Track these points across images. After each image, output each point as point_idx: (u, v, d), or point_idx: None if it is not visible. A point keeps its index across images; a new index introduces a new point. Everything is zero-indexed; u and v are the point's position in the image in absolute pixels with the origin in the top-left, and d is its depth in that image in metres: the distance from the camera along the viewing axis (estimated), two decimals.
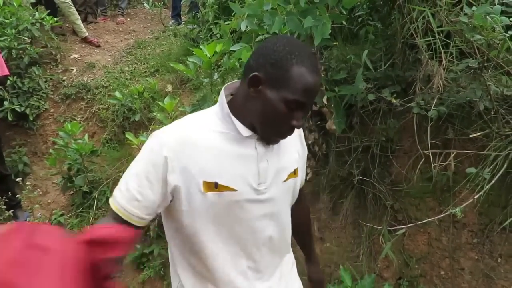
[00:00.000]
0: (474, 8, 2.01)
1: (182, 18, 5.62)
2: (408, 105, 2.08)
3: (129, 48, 5.06)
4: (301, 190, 1.23)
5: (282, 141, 1.06)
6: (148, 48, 4.98)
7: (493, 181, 1.77)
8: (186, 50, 3.97)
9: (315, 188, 2.62)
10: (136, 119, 3.72)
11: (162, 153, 0.94)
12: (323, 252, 2.54)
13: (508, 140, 1.87)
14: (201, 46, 2.49)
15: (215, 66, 3.08)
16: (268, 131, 0.98)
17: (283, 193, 1.08)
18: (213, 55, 2.42)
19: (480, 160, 1.96)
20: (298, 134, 1.16)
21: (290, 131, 0.98)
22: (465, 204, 1.76)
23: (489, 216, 2.08)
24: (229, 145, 0.99)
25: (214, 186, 0.96)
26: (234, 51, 2.19)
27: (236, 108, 1.00)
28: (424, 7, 2.07)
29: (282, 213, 1.10)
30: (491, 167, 1.82)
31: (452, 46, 2.00)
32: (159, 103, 2.98)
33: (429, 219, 1.87)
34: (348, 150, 2.49)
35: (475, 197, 1.78)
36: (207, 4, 3.93)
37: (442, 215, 1.86)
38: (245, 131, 0.99)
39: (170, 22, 5.60)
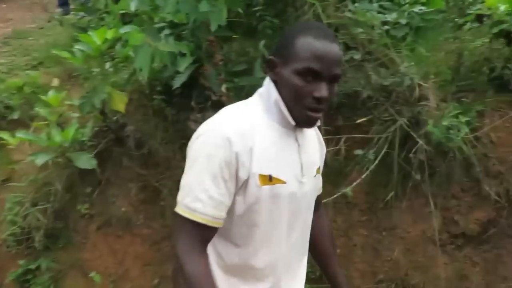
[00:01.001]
0: (356, 4, 2.20)
1: (71, 7, 5.11)
2: None
3: (6, 38, 4.43)
4: (320, 198, 1.21)
5: (309, 136, 1.06)
6: (30, 38, 4.41)
7: (376, 162, 1.95)
8: (75, 40, 3.61)
9: None
10: (15, 117, 3.26)
11: (232, 149, 0.89)
12: None
13: (387, 125, 2.08)
14: (89, 32, 2.29)
15: (108, 57, 2.86)
16: (297, 110, 0.93)
17: (313, 189, 1.08)
18: (104, 42, 2.23)
19: (366, 144, 2.15)
20: (316, 133, 1.14)
21: (316, 104, 0.91)
22: (354, 184, 1.91)
23: (374, 194, 2.30)
24: (277, 136, 0.96)
25: (268, 179, 0.93)
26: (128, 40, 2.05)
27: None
28: (314, 1, 2.20)
29: (310, 212, 1.09)
30: (374, 149, 2.01)
31: (339, 39, 2.16)
32: (42, 97, 2.65)
33: (324, 200, 1.98)
34: None
35: (362, 177, 1.94)
36: None
37: (335, 196, 1.98)
38: (292, 120, 0.95)
39: (57, 11, 5.05)
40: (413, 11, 2.18)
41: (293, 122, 0.95)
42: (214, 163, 0.88)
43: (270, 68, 0.96)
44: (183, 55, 2.04)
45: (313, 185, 1.06)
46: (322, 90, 0.88)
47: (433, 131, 1.88)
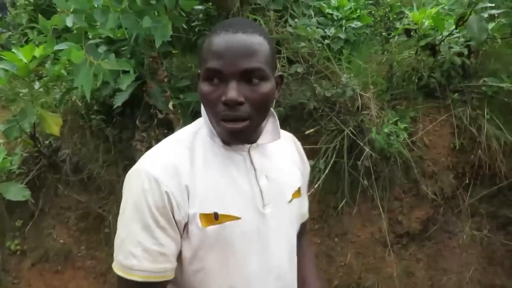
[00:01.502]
0: (296, 20, 2.27)
1: None
2: None
3: None
4: (304, 226, 1.03)
5: (282, 154, 0.89)
6: None
7: (327, 171, 2.00)
8: None
9: None
10: None
11: (160, 189, 0.73)
12: None
13: (334, 134, 2.16)
14: (13, 50, 2.07)
15: (35, 76, 2.62)
16: (215, 123, 0.77)
17: (291, 218, 0.88)
18: (32, 61, 2.04)
19: (315, 154, 2.20)
20: (297, 149, 0.98)
21: (228, 111, 0.72)
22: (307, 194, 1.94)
23: (325, 202, 2.36)
24: (221, 163, 0.79)
25: (214, 218, 0.76)
26: (59, 57, 1.89)
27: None
28: (256, 16, 2.24)
29: (293, 244, 0.90)
30: (323, 158, 2.06)
31: (282, 53, 2.21)
32: None
33: None
34: None
35: (315, 187, 1.98)
36: (18, 4, 3.33)
37: None
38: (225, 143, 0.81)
39: None
40: (350, 26, 2.30)
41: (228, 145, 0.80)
42: (143, 211, 0.73)
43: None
44: (124, 72, 1.93)
45: (288, 213, 0.87)
46: (229, 92, 0.70)
47: (377, 138, 1.99)
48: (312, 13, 2.33)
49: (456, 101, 2.39)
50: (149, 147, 0.96)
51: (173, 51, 2.63)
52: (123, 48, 2.11)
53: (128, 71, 1.85)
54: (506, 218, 2.43)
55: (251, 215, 0.79)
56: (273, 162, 0.86)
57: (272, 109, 0.83)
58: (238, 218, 0.77)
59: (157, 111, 2.07)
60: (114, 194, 2.37)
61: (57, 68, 2.15)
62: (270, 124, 0.85)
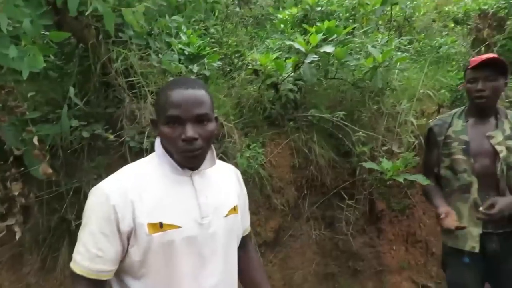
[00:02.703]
0: (160, 55, 2.40)
1: None
2: (121, 139, 2.17)
3: None
4: (247, 237, 1.27)
5: (220, 179, 1.14)
6: None
7: None
8: None
9: (20, 249, 2.16)
10: None
11: (109, 203, 0.96)
12: None
13: None
14: None
15: None
16: (177, 155, 1.04)
17: (227, 230, 1.10)
18: None
19: None
20: (236, 175, 1.24)
21: (186, 146, 1.00)
22: None
23: None
24: (169, 185, 1.04)
25: (159, 226, 0.98)
26: None
27: (167, 150, 1.07)
28: (119, 49, 2.26)
29: (229, 253, 1.11)
30: None
31: (149, 86, 2.30)
32: None
33: None
34: (56, 197, 2.24)
35: None
36: None
37: None
38: (179, 167, 1.05)
39: None
40: (211, 64, 2.58)
41: (180, 168, 1.05)
42: (92, 220, 0.98)
43: (154, 127, 1.09)
44: None
45: (224, 225, 1.09)
46: (187, 132, 0.98)
47: (241, 162, 2.30)
48: (175, 50, 2.50)
49: (292, 128, 2.96)
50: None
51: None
52: None
53: None
54: (332, 218, 3.11)
55: (191, 224, 1.03)
56: (212, 184, 1.12)
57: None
58: (179, 227, 1.00)
59: (12, 148, 1.83)
60: None
61: None
62: (209, 154, 1.11)
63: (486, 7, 4.44)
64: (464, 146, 1.86)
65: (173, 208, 1.02)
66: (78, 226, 2.17)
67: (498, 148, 1.80)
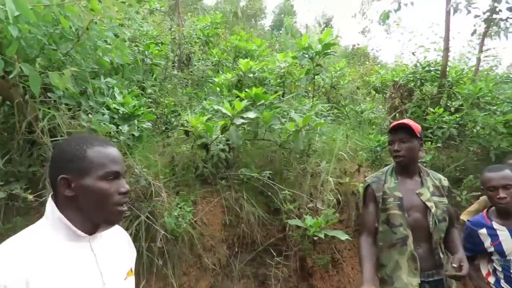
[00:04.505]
0: (90, 115, 2.44)
1: None
2: (42, 199, 2.11)
3: None
4: None
5: (114, 242, 1.11)
6: None
7: None
8: None
9: None
10: None
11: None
12: None
13: (129, 220, 2.34)
14: None
15: None
16: (108, 210, 1.01)
17: None
18: None
19: None
20: (126, 239, 1.20)
21: (124, 198, 1.03)
22: None
23: None
24: (64, 254, 0.96)
25: None
26: None
27: (66, 213, 1.00)
28: (47, 110, 2.28)
29: None
30: None
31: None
32: None
33: None
34: None
35: None
36: None
37: None
38: (80, 233, 1.00)
39: None
40: (143, 122, 2.65)
41: (81, 234, 1.00)
42: None
43: (65, 186, 0.99)
44: None
45: None
46: (125, 185, 1.04)
47: (168, 221, 2.31)
48: (105, 110, 2.56)
49: (223, 186, 3.05)
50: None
51: None
52: None
53: None
54: (264, 275, 3.14)
55: None
56: (109, 248, 1.09)
57: None
58: None
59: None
60: None
61: None
62: None
63: (397, 78, 5.09)
64: (398, 202, 2.03)
65: (73, 281, 0.95)
66: None
67: (428, 204, 2.00)
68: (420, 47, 5.53)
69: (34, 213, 2.28)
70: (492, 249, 2.01)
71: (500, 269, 2.01)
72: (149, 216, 2.34)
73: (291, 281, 3.23)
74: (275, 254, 2.98)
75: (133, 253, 1.22)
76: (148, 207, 2.38)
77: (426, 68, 4.98)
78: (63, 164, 1.00)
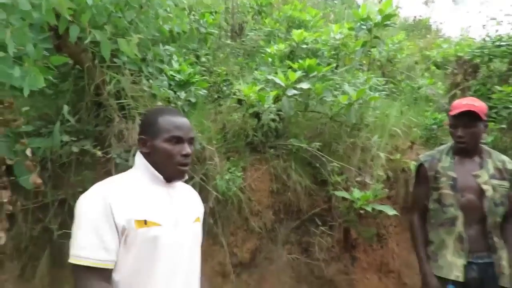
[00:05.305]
0: (151, 81, 2.59)
1: None
2: (108, 156, 2.31)
3: None
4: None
5: (186, 193, 1.36)
6: None
7: None
8: None
9: (1, 256, 2.24)
10: None
11: (106, 202, 1.12)
12: None
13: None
14: None
15: None
16: (172, 167, 1.23)
17: (194, 234, 1.30)
18: None
19: None
20: (197, 196, 1.44)
21: (185, 159, 1.24)
22: None
23: None
24: (150, 190, 1.22)
25: (144, 223, 1.14)
26: None
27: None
28: (113, 74, 2.45)
29: (195, 253, 1.29)
30: None
31: (140, 109, 2.47)
32: None
33: None
34: (41, 207, 2.35)
35: None
36: None
37: None
38: (161, 177, 1.24)
39: None
40: (198, 90, 2.77)
41: (160, 178, 1.25)
42: (91, 218, 1.11)
43: (141, 144, 1.28)
44: None
45: (192, 229, 1.30)
46: (187, 149, 1.25)
47: (220, 183, 2.44)
48: (164, 77, 2.70)
49: (272, 155, 3.13)
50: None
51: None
52: None
53: None
54: (307, 243, 3.23)
55: (168, 224, 1.21)
56: (182, 196, 1.34)
57: None
58: (160, 225, 1.18)
59: (4, 158, 1.96)
60: None
61: None
62: None
63: (462, 53, 4.77)
64: (451, 182, 2.00)
65: (155, 209, 1.20)
66: (60, 236, 2.29)
67: (484, 187, 1.95)
68: (492, 20, 5.10)
69: (100, 168, 2.51)
70: None
71: None
72: (203, 177, 2.48)
73: (333, 251, 3.29)
74: (319, 224, 3.05)
75: (201, 207, 1.45)
76: (202, 170, 2.53)
77: (497, 43, 4.59)
78: (143, 127, 1.28)
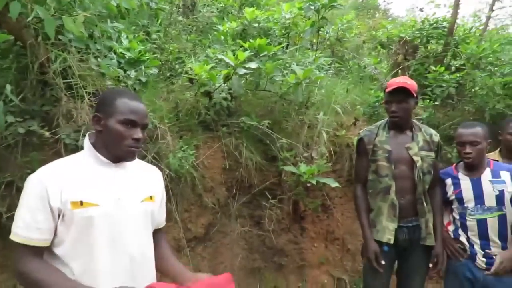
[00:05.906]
0: (99, 59, 2.55)
1: None
2: (57, 136, 2.28)
3: None
4: (162, 230, 1.51)
5: (140, 172, 1.40)
6: None
7: None
8: None
9: None
10: None
11: (42, 185, 1.19)
12: None
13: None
14: None
15: None
16: (120, 149, 1.28)
17: (142, 213, 1.35)
18: None
19: None
20: (159, 175, 1.50)
21: (135, 143, 1.28)
22: None
23: None
24: (91, 171, 1.28)
25: (79, 204, 1.21)
26: None
27: (97, 144, 1.32)
28: (58, 52, 2.38)
29: (143, 234, 1.34)
30: None
31: (87, 88, 2.44)
32: None
33: None
34: None
35: None
36: None
37: None
38: (104, 159, 1.30)
39: None
40: (149, 68, 2.75)
41: (104, 160, 1.31)
42: (29, 199, 1.20)
43: (95, 121, 1.31)
44: None
45: (141, 209, 1.34)
46: (139, 133, 1.30)
47: (172, 161, 2.50)
48: (113, 55, 2.65)
49: (224, 133, 3.22)
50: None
51: None
52: None
53: None
54: (259, 216, 3.41)
55: (109, 203, 1.26)
56: (131, 175, 1.38)
57: None
58: (97, 205, 1.24)
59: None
60: None
61: None
62: None
63: (404, 34, 5.06)
64: (387, 154, 2.21)
65: (93, 189, 1.25)
66: (9, 218, 2.25)
67: (415, 158, 2.18)
68: (430, 2, 5.42)
69: (49, 149, 2.47)
70: (453, 197, 2.22)
71: (457, 217, 2.22)
72: (155, 156, 2.53)
73: (283, 222, 3.50)
74: (270, 198, 3.22)
75: (161, 188, 1.50)
76: (154, 149, 2.57)
77: (434, 25, 4.92)
78: (99, 105, 1.32)
